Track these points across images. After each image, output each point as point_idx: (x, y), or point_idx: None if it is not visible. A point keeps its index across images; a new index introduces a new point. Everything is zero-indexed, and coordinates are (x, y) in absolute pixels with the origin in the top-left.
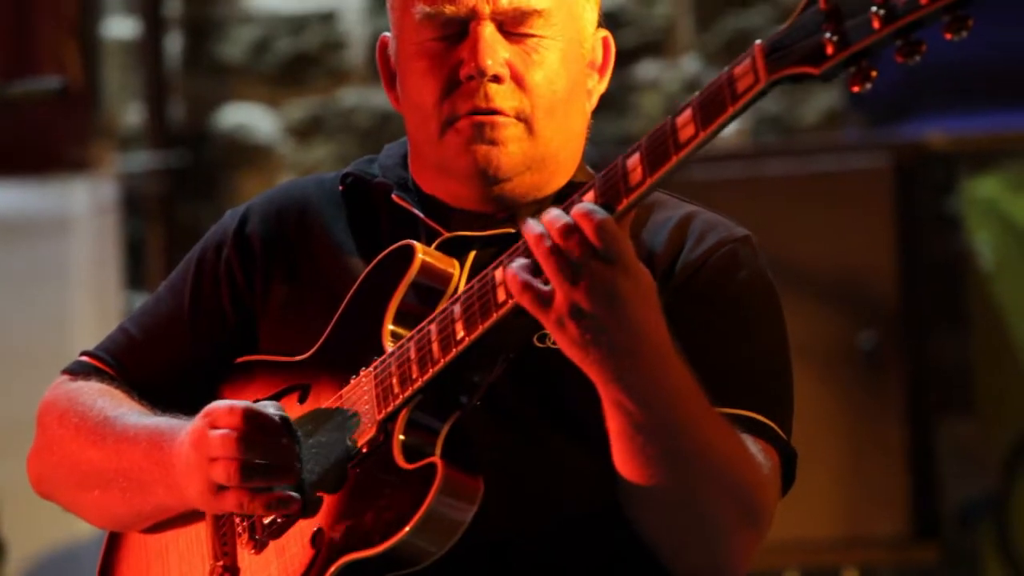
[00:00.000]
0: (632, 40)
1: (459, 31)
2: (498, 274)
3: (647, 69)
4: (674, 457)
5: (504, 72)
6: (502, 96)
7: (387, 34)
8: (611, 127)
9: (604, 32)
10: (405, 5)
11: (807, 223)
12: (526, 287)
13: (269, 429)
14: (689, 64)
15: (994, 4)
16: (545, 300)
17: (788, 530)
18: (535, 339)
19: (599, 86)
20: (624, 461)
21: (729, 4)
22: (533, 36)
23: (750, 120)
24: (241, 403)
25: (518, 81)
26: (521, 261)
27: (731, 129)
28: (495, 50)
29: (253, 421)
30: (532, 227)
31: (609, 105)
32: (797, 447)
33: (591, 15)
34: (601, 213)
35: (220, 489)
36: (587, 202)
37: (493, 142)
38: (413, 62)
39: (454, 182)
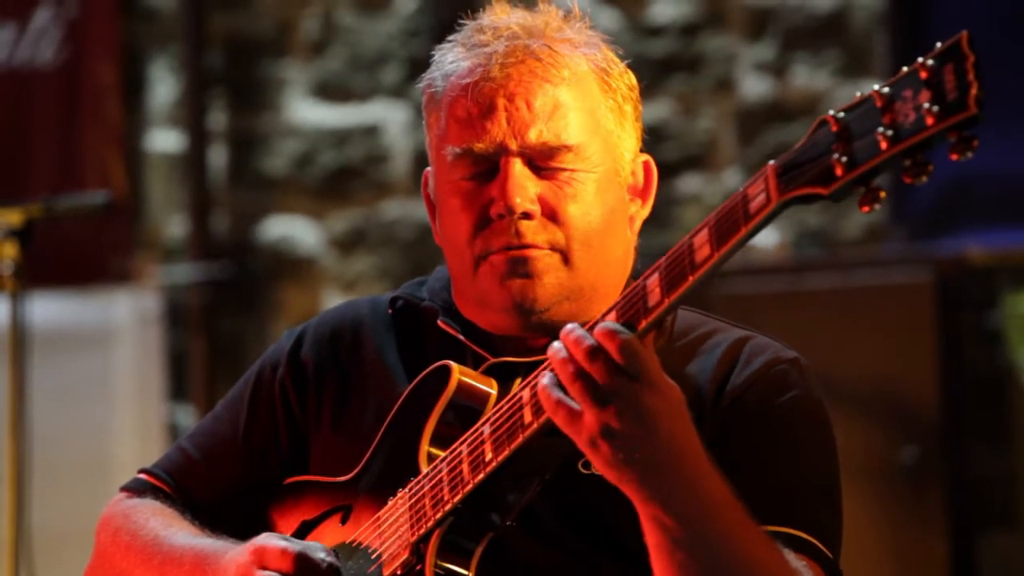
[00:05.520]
0: (675, 154)
1: (490, 168)
2: (525, 395)
3: (689, 183)
4: (714, 572)
5: (534, 209)
6: (534, 231)
7: (429, 169)
8: (654, 240)
9: (645, 156)
10: (438, 145)
11: (848, 337)
12: (559, 404)
13: None
14: (731, 178)
15: None
16: (577, 417)
17: None
18: (580, 466)
19: (642, 211)
20: None
21: (771, 118)
22: (565, 170)
23: (792, 234)
24: (293, 546)
25: (551, 215)
26: (551, 377)
27: (772, 242)
28: (524, 188)
29: (302, 568)
30: (557, 351)
31: (651, 218)
32: (839, 561)
33: (630, 142)
34: (624, 332)
35: None
36: (609, 322)
37: (528, 275)
38: (448, 200)
39: (492, 314)
